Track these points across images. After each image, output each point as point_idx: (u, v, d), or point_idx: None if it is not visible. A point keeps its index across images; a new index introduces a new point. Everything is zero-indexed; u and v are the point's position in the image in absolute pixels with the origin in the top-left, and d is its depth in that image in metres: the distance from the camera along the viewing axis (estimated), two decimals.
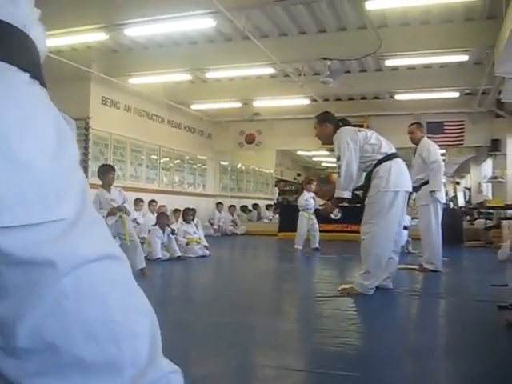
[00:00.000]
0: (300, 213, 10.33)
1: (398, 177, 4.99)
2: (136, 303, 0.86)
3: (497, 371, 2.79)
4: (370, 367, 2.82)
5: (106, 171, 6.44)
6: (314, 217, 10.17)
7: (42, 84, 0.80)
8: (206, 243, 8.97)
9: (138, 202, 11.66)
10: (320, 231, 10.49)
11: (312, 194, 10.05)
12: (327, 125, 5.33)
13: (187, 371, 1.05)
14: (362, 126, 14.89)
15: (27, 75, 0.76)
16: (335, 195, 5.15)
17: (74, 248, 0.75)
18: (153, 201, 12.16)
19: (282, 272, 7.72)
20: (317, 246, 10.16)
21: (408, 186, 5.16)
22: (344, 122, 5.43)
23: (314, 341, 3.45)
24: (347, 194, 5.06)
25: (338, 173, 5.09)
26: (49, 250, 0.72)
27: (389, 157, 5.06)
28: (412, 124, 7.10)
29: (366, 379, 2.60)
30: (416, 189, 6.67)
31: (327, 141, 5.41)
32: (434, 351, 3.26)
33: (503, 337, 3.47)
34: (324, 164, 27.11)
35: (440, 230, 6.72)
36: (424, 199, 6.67)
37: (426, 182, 6.63)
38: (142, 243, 7.27)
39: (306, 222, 10.23)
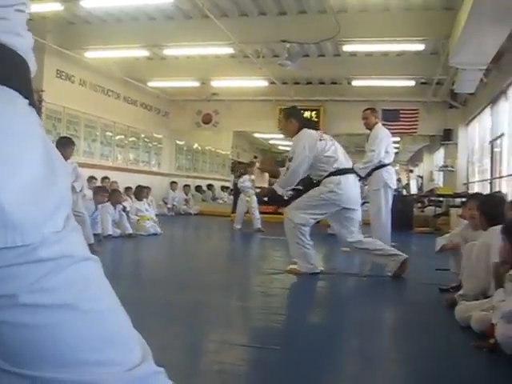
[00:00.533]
0: (240, 195, 10.80)
1: (344, 194, 5.07)
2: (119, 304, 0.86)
3: (435, 347, 2.89)
4: (308, 343, 2.89)
5: (65, 144, 6.24)
6: (253, 199, 10.42)
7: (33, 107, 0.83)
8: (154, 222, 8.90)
9: (90, 179, 11.44)
10: (265, 213, 10.88)
11: (252, 177, 10.30)
12: (292, 121, 5.33)
13: None
14: (318, 111, 15.17)
15: (27, 101, 0.80)
16: (274, 187, 5.37)
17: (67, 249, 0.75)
18: (105, 177, 11.98)
19: (230, 251, 7.78)
20: (259, 226, 10.41)
21: (351, 204, 5.17)
22: (309, 124, 5.46)
23: (258, 318, 3.52)
24: (282, 192, 5.27)
25: (287, 168, 5.15)
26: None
27: (341, 171, 5.12)
28: (366, 109, 7.17)
29: (300, 354, 2.65)
30: (368, 174, 6.79)
31: (288, 136, 5.47)
32: (375, 327, 3.34)
33: (443, 316, 3.59)
34: (281, 147, 27.18)
35: (390, 215, 6.85)
36: (375, 184, 6.78)
37: (378, 167, 6.72)
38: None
39: (244, 203, 10.68)
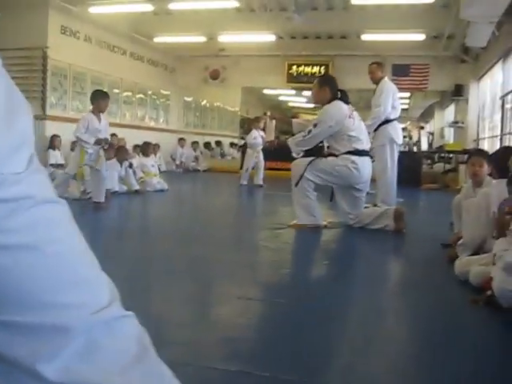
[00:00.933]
0: (247, 150, 10.83)
1: (355, 174, 5.10)
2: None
3: (431, 302, 2.91)
4: (311, 296, 2.92)
5: (100, 96, 6.26)
6: (260, 154, 10.40)
7: None
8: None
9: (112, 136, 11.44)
10: (273, 169, 10.87)
11: (261, 133, 10.18)
12: (326, 89, 5.25)
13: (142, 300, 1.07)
14: (327, 66, 14.95)
15: None
16: (288, 142, 5.36)
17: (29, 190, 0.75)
18: (113, 134, 11.94)
19: (236, 207, 7.83)
20: (260, 182, 10.51)
21: (361, 185, 5.22)
22: (342, 96, 5.34)
23: (262, 272, 3.56)
24: (294, 150, 5.28)
25: (309, 131, 5.12)
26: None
27: (359, 152, 5.11)
28: (372, 63, 7.05)
29: (301, 307, 2.69)
30: (375, 129, 6.74)
31: (319, 103, 5.43)
32: (375, 282, 3.37)
33: (443, 271, 3.61)
34: (290, 104, 26.97)
35: (396, 171, 6.81)
36: (381, 139, 6.71)
37: (383, 123, 6.65)
38: None
39: (252, 158, 10.71)
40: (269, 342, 2.22)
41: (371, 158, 5.54)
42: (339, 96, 5.26)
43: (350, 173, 5.08)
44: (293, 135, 5.42)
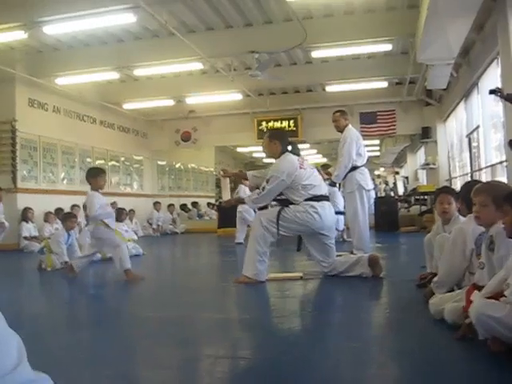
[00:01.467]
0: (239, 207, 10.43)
1: (317, 219, 5.10)
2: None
3: (406, 345, 2.84)
4: (277, 350, 2.83)
5: (97, 174, 6.11)
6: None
7: None
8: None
9: (73, 207, 11.34)
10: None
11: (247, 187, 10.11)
12: (276, 142, 5.33)
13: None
14: (296, 120, 15.18)
15: None
16: (245, 199, 5.48)
17: None
18: (75, 205, 11.91)
19: (214, 266, 7.71)
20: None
21: (325, 229, 5.22)
22: (293, 149, 5.43)
23: (232, 329, 3.46)
24: (252, 206, 5.57)
25: (263, 188, 5.18)
26: None
27: (317, 198, 5.16)
28: (336, 112, 7.14)
29: (271, 362, 2.60)
30: (343, 177, 6.79)
31: (271, 157, 5.46)
32: (349, 328, 3.29)
33: (418, 311, 3.54)
34: (265, 160, 27.20)
35: (367, 217, 6.84)
36: (349, 186, 6.75)
37: (351, 169, 6.70)
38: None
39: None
40: None
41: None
42: (290, 149, 5.37)
43: (312, 218, 5.08)
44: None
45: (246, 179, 5.84)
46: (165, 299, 4.77)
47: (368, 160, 7.30)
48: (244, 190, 10.45)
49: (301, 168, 5.18)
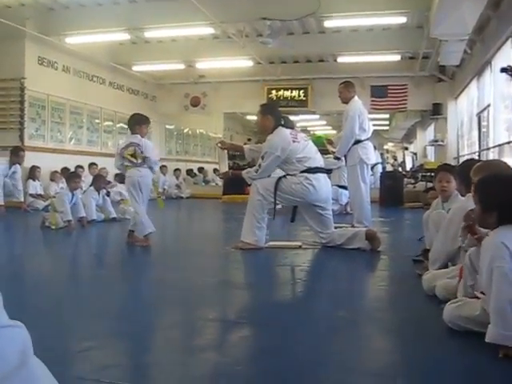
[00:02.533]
0: None
1: (311, 191, 5.13)
2: None
3: (397, 320, 2.88)
4: (274, 316, 2.88)
5: (144, 121, 5.68)
6: None
7: None
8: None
9: (77, 168, 11.36)
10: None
11: None
12: (269, 117, 5.30)
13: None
14: (306, 90, 15.06)
15: None
16: (243, 175, 5.42)
17: None
18: (93, 163, 11.95)
19: (211, 231, 7.80)
20: None
21: (320, 201, 5.24)
22: (286, 122, 5.42)
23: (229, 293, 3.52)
24: (249, 181, 5.38)
25: (259, 165, 5.21)
26: None
27: (312, 170, 5.17)
28: (340, 84, 7.03)
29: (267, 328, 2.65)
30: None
31: (263, 133, 5.44)
32: (342, 301, 3.33)
33: (410, 287, 3.56)
34: None
35: (368, 191, 6.81)
36: (351, 160, 6.71)
37: (355, 143, 6.65)
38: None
39: None
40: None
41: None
42: (282, 123, 5.35)
43: (307, 190, 5.11)
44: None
45: (243, 152, 5.80)
46: (166, 262, 4.85)
47: (373, 134, 7.23)
48: None
49: (294, 141, 5.19)
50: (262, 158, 5.20)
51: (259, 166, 5.23)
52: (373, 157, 7.10)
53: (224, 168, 5.87)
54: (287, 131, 5.29)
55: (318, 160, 5.33)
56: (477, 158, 11.14)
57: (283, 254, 5.03)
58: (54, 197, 7.58)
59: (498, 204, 2.28)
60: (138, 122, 5.63)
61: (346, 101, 6.85)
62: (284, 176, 5.21)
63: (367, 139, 6.79)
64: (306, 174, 5.13)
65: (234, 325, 2.77)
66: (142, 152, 5.46)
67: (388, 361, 2.26)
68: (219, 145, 5.86)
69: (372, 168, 18.08)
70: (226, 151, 5.88)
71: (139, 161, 5.48)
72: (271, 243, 5.37)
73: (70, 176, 7.71)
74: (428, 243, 4.07)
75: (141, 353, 2.32)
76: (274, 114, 5.38)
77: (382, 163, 21.23)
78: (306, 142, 5.33)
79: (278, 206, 5.38)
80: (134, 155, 5.46)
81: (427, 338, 2.50)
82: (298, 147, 5.18)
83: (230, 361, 2.19)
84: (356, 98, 6.85)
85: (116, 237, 6.80)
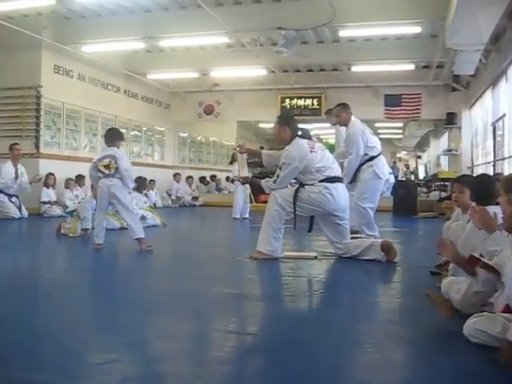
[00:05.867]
0: (235, 183, 11.02)
1: (330, 200, 5.13)
2: None
3: (419, 330, 2.86)
4: (287, 329, 2.88)
5: (118, 137, 6.16)
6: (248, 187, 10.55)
7: None
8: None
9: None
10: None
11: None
12: (286, 129, 5.32)
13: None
14: (320, 98, 15.06)
15: None
16: (261, 184, 5.49)
17: None
18: None
19: (225, 241, 7.81)
20: (247, 215, 10.89)
21: (339, 211, 5.24)
22: (303, 133, 5.42)
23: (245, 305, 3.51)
24: (267, 190, 5.41)
25: (277, 175, 5.24)
26: None
27: (331, 179, 5.18)
28: (337, 106, 6.86)
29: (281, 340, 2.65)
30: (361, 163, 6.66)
31: (280, 144, 5.45)
32: (357, 312, 3.32)
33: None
34: None
35: (375, 206, 6.70)
36: (365, 174, 6.52)
37: (369, 159, 6.55)
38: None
39: (243, 191, 10.98)
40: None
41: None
42: (299, 133, 5.36)
43: (325, 199, 5.11)
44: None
45: (260, 157, 5.79)
46: (179, 271, 4.85)
47: (384, 143, 7.11)
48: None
49: (312, 152, 5.20)
50: (280, 168, 5.22)
51: (277, 176, 5.24)
52: (387, 171, 7.02)
53: (244, 172, 5.87)
54: (304, 141, 5.30)
55: (336, 169, 5.34)
56: (492, 168, 11.09)
57: (298, 265, 5.03)
58: (79, 203, 7.65)
59: None
60: (115, 137, 6.08)
61: (344, 123, 6.70)
62: (302, 186, 5.21)
63: (379, 154, 6.67)
64: (324, 184, 5.14)
65: (251, 337, 2.78)
66: (115, 163, 5.80)
67: (404, 375, 2.25)
68: (237, 148, 5.88)
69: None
70: (244, 155, 5.89)
71: (112, 171, 5.80)
72: (286, 253, 5.38)
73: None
74: None
75: (158, 364, 2.32)
76: (291, 125, 5.39)
77: (393, 173, 21.21)
78: (324, 151, 5.34)
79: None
80: (107, 166, 5.80)
81: (446, 351, 2.48)
82: (315, 157, 5.19)
83: (247, 374, 2.20)
84: (353, 118, 6.67)
85: (127, 246, 6.81)
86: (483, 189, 3.60)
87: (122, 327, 2.85)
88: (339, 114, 6.74)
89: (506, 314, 2.36)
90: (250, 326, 3.08)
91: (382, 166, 6.69)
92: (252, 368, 2.31)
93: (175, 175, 15.54)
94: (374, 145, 6.62)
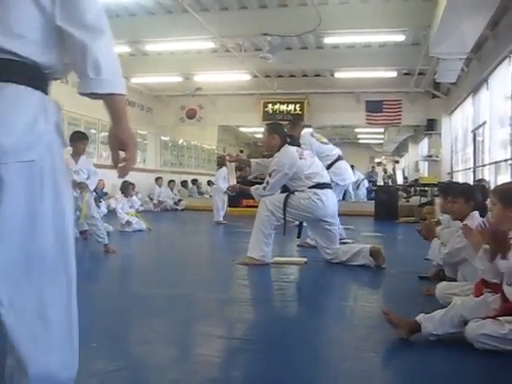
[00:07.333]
0: (214, 186, 11.38)
1: (319, 206, 5.20)
2: None
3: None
4: (277, 334, 2.92)
5: (77, 139, 6.12)
6: None
7: None
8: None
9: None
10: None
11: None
12: (275, 136, 5.40)
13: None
14: (302, 104, 15.16)
15: None
16: (251, 191, 5.51)
17: None
18: None
19: (209, 245, 7.85)
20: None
21: (328, 216, 5.31)
22: (292, 140, 5.50)
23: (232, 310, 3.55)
24: (257, 197, 5.44)
25: (267, 182, 5.29)
26: None
27: (319, 185, 5.27)
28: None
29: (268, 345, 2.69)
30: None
31: (270, 151, 5.50)
32: (345, 317, 3.37)
33: (418, 304, 3.57)
34: None
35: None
36: None
37: (327, 167, 6.48)
38: None
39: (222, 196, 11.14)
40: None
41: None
42: (288, 141, 5.45)
43: (315, 205, 5.19)
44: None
45: (249, 165, 5.84)
46: (167, 276, 4.85)
47: (365, 147, 7.18)
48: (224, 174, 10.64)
49: (301, 158, 5.29)
50: (270, 175, 5.29)
51: (267, 183, 5.31)
52: (349, 176, 7.07)
53: (233, 181, 5.90)
54: (294, 149, 5.39)
55: (326, 176, 5.43)
56: (472, 174, 11.28)
57: (288, 270, 5.08)
58: None
59: None
60: (76, 139, 6.11)
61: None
62: (292, 192, 5.27)
63: (337, 160, 6.75)
64: (314, 190, 5.22)
65: (239, 342, 2.82)
66: None
67: (396, 380, 2.31)
68: (227, 158, 5.92)
69: (358, 186, 18.13)
70: (233, 164, 5.93)
71: None
72: (276, 259, 5.43)
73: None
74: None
75: (144, 370, 2.34)
76: (280, 133, 5.48)
77: (372, 178, 21.39)
78: (313, 158, 5.43)
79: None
80: None
81: (441, 355, 2.54)
82: (305, 164, 5.28)
83: (235, 379, 2.24)
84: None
85: (118, 249, 6.80)
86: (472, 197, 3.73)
87: (106, 332, 2.87)
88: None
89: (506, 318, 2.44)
90: (240, 330, 3.13)
91: (341, 172, 6.78)
92: (240, 372, 2.36)
93: (157, 179, 15.47)
94: (326, 153, 6.70)
